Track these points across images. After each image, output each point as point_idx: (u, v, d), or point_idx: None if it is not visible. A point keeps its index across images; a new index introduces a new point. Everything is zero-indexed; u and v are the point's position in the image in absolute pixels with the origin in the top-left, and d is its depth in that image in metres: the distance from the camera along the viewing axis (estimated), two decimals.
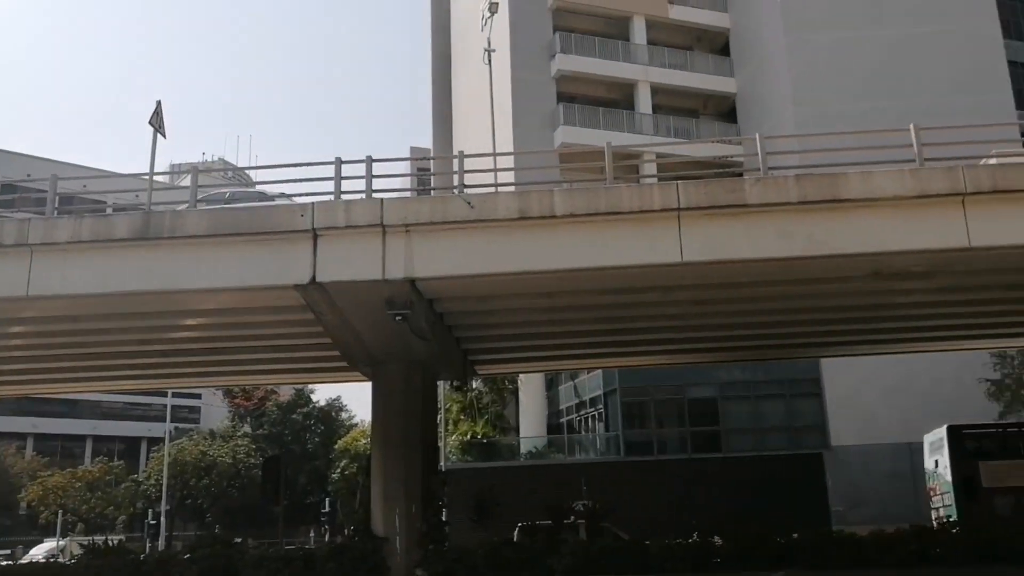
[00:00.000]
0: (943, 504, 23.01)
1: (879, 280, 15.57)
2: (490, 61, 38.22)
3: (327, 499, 43.27)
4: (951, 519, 20.58)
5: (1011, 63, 36.29)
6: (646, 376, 29.06)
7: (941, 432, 23.78)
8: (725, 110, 39.55)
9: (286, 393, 54.68)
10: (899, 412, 28.88)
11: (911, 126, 14.56)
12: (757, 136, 14.85)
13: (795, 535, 16.57)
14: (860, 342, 21.20)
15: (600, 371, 30.61)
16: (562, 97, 37.11)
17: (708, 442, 29.83)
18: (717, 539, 16.46)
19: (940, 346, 22.14)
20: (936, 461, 24.07)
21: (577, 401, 34.19)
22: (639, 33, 38.59)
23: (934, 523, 21.36)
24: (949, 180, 13.75)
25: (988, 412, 25.59)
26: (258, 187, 24.09)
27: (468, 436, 33.07)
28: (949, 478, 22.78)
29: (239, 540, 18.80)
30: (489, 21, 39.43)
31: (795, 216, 13.89)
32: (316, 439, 52.34)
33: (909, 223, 13.96)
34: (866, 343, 21.34)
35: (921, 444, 27.80)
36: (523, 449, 33.99)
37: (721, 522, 19.31)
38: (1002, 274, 15.72)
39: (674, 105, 39.04)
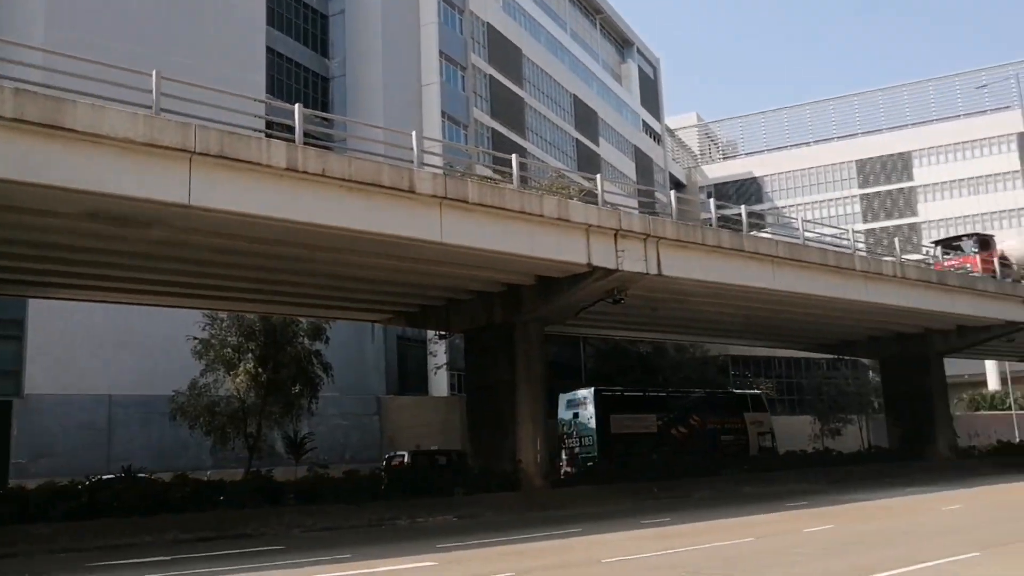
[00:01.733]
0: (581, 446, 30.22)
1: (96, 222, 14.87)
2: None
3: None
4: (593, 455, 29.05)
5: (269, 49, 38.98)
6: None
7: (584, 393, 31.21)
8: None
9: None
10: (105, 363, 28.32)
11: (154, 72, 14.24)
12: None
13: None
14: (71, 286, 20.13)
15: None
16: None
17: None
18: None
19: (150, 300, 22.35)
20: (576, 414, 30.98)
21: None
22: None
23: (564, 463, 29.43)
24: (181, 135, 13.83)
25: (192, 369, 26.43)
26: None
27: None
28: (593, 426, 30.16)
29: None
30: None
31: (8, 134, 12.40)
32: None
33: (137, 169, 13.64)
34: (76, 287, 20.36)
35: (124, 396, 27.91)
36: None
37: None
38: (216, 237, 16.41)
39: None
